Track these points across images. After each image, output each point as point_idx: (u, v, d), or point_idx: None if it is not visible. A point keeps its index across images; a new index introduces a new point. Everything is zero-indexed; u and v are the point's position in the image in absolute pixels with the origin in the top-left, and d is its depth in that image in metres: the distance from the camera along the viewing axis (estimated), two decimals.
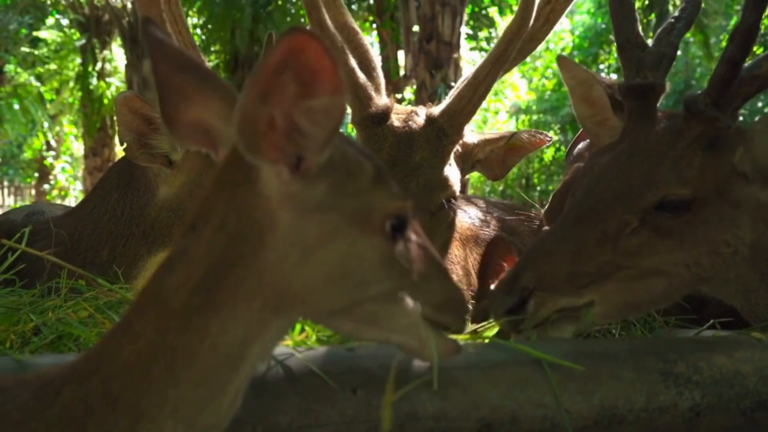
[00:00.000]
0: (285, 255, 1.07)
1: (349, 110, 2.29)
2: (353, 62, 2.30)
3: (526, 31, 2.28)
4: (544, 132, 2.52)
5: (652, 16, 13.28)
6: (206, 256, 1.07)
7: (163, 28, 2.72)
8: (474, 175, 16.77)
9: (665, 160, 1.69)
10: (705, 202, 1.69)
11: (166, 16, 2.80)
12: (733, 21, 18.23)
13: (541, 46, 2.44)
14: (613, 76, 18.15)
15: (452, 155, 2.31)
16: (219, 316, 1.07)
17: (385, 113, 2.29)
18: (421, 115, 2.33)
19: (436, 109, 2.33)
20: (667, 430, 1.51)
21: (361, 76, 2.30)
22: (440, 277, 1.24)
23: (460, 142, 2.35)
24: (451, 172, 2.27)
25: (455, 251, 2.75)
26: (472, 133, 2.44)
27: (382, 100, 2.31)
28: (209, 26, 12.92)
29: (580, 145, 2.60)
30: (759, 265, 1.76)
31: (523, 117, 19.10)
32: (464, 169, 2.42)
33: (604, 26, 18.14)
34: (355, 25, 2.47)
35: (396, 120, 2.28)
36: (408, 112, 2.34)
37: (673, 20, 1.92)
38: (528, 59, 17.53)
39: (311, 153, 1.07)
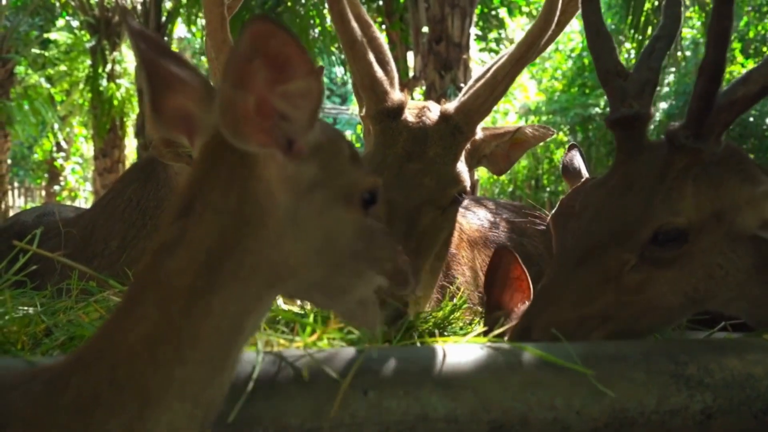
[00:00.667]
0: (284, 233, 1.13)
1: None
2: (371, 56, 2.29)
3: (548, 32, 2.29)
4: (548, 126, 2.53)
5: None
6: (207, 239, 1.10)
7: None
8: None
9: (656, 194, 1.69)
10: (703, 230, 1.69)
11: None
12: (743, 22, 18.19)
13: (551, 48, 2.45)
14: None
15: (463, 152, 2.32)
16: (221, 296, 1.11)
17: (401, 108, 2.29)
18: (434, 110, 2.33)
19: (451, 106, 2.33)
20: None
21: (378, 70, 2.30)
22: (394, 249, 1.32)
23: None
24: (463, 168, 2.28)
25: (463, 252, 2.75)
26: (479, 129, 2.45)
27: (396, 94, 2.31)
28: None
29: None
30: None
31: (532, 118, 19.06)
32: (471, 164, 2.43)
33: (614, 27, 18.11)
34: (368, 17, 2.47)
35: (410, 115, 2.29)
36: (420, 107, 2.35)
37: (653, 40, 1.89)
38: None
39: (299, 135, 1.13)
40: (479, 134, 2.42)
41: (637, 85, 1.82)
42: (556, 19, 2.29)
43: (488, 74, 2.31)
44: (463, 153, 2.31)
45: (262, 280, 1.14)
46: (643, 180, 1.71)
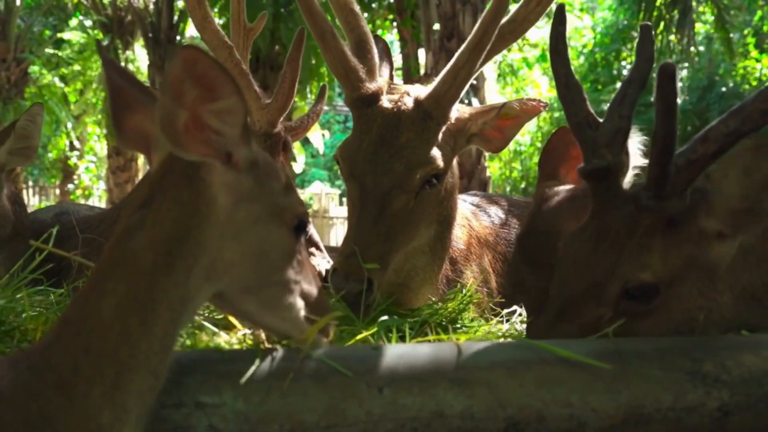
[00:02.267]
0: (223, 231, 1.32)
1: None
2: (344, 46, 2.35)
3: (501, 18, 2.32)
4: (538, 98, 2.53)
5: (675, 12, 13.16)
6: (167, 224, 1.28)
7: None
8: (495, 174, 16.75)
9: (625, 250, 1.72)
10: (675, 281, 1.71)
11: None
12: (757, 16, 18.07)
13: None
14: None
15: (440, 135, 2.35)
16: (175, 277, 1.27)
17: (375, 96, 2.34)
18: (411, 96, 2.37)
19: (423, 92, 2.37)
20: (695, 430, 1.50)
21: (352, 60, 2.35)
22: (315, 282, 1.49)
23: (452, 119, 2.39)
24: (436, 153, 2.31)
25: (472, 249, 2.75)
26: (463, 108, 2.46)
27: (373, 83, 2.36)
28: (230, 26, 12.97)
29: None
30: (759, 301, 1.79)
31: (544, 114, 19.01)
32: (458, 144, 2.46)
33: (626, 22, 18.05)
34: (356, 6, 2.51)
35: (387, 101, 2.34)
36: (401, 93, 2.38)
37: (625, 84, 1.89)
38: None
39: (233, 148, 1.32)
40: (464, 113, 2.44)
41: (608, 134, 1.84)
42: (508, 4, 2.32)
43: (452, 61, 2.34)
44: (440, 137, 2.35)
45: (202, 270, 1.30)
46: (614, 234, 1.74)
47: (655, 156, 1.68)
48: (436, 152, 2.30)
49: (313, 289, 1.48)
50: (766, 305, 1.80)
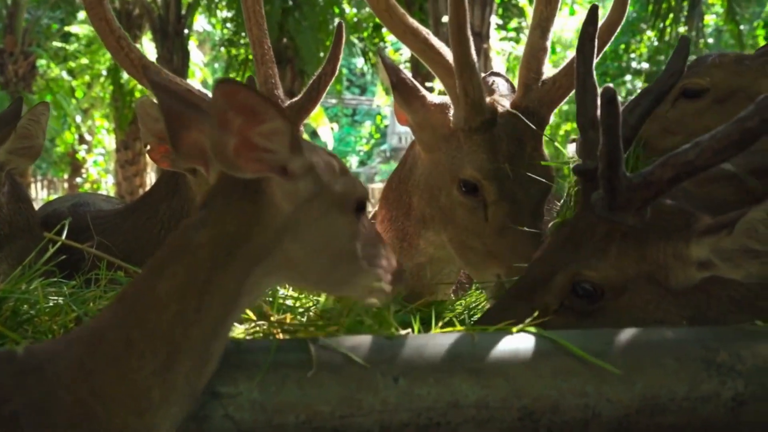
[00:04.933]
0: (286, 233, 1.37)
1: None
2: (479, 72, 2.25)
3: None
4: None
5: (685, 3, 13.12)
6: (228, 226, 1.33)
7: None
8: None
9: (581, 249, 1.79)
10: (628, 289, 1.76)
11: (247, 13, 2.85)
12: (767, 8, 17.98)
13: (571, 36, 2.43)
14: (645, 66, 18.02)
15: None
16: (231, 273, 1.32)
17: (495, 115, 2.27)
18: (504, 102, 2.32)
19: (525, 98, 2.32)
20: (710, 420, 1.50)
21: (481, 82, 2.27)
22: (384, 249, 1.54)
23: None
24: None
25: None
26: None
27: (486, 101, 2.27)
28: (239, 20, 12.97)
29: None
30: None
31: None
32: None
33: (635, 15, 17.96)
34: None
35: (499, 117, 2.27)
36: (492, 101, 2.32)
37: (642, 93, 1.92)
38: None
39: (287, 162, 1.37)
40: None
41: None
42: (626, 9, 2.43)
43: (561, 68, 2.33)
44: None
45: (263, 269, 1.35)
46: (579, 234, 1.81)
47: (601, 172, 1.73)
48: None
49: (380, 251, 1.52)
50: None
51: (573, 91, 2.26)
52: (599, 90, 1.72)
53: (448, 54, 2.25)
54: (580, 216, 1.87)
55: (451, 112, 2.26)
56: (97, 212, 2.91)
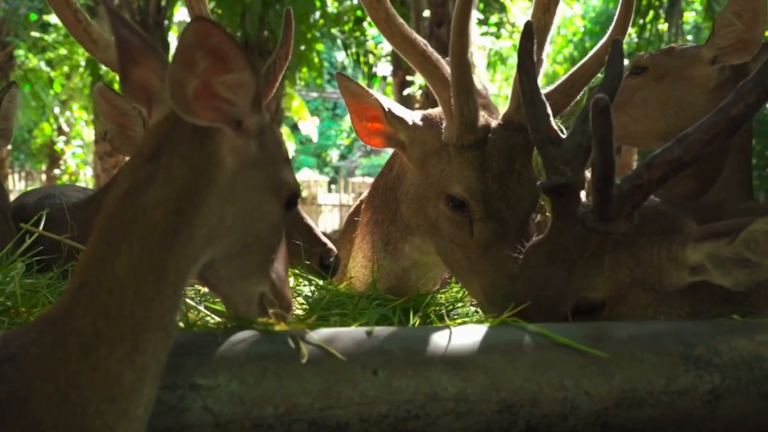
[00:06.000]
0: (226, 193, 1.32)
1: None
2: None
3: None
4: None
5: (665, 0, 13.20)
6: (177, 181, 1.28)
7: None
8: None
9: (576, 269, 1.78)
10: (623, 297, 1.78)
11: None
12: None
13: (552, 32, 2.41)
14: (625, 62, 18.03)
15: None
16: (183, 237, 1.27)
17: (488, 131, 2.23)
18: (495, 117, 2.29)
19: (521, 115, 2.25)
20: (687, 413, 1.51)
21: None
22: (285, 265, 1.53)
23: None
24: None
25: None
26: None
27: (480, 119, 2.22)
28: (219, 11, 12.89)
29: None
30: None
31: None
32: None
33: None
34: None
35: (490, 134, 2.23)
36: (485, 118, 2.27)
37: (590, 101, 1.90)
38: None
39: (243, 116, 1.34)
40: None
41: (570, 151, 1.87)
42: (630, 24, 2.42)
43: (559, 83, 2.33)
44: None
45: (205, 231, 1.30)
46: (566, 252, 1.79)
47: (595, 182, 1.71)
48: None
49: (281, 271, 1.51)
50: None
51: (565, 110, 2.30)
52: (592, 101, 1.69)
53: (444, 67, 2.22)
54: (560, 231, 1.83)
55: (441, 125, 2.24)
56: (60, 205, 2.87)
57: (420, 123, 2.28)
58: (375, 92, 2.30)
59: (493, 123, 2.25)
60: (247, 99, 1.32)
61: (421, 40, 2.29)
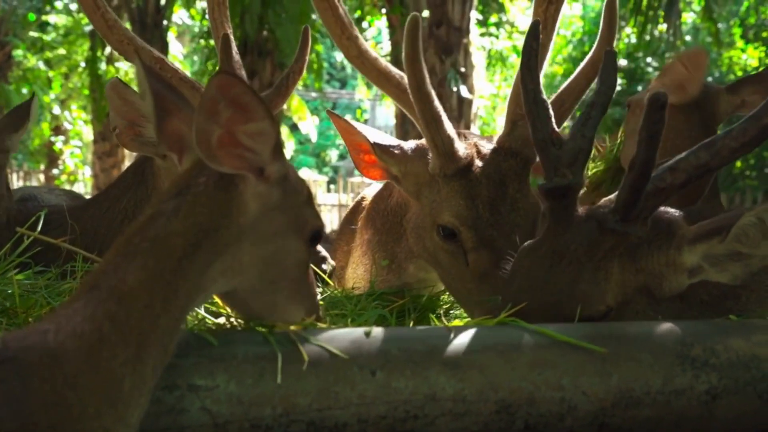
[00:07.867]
0: (246, 235, 1.41)
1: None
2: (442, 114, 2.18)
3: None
4: None
5: (663, 1, 13.18)
6: (200, 217, 1.35)
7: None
8: None
9: (584, 271, 1.73)
10: (625, 304, 1.76)
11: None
12: (744, 7, 18.13)
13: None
14: (623, 62, 18.09)
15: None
16: (197, 266, 1.34)
17: (472, 160, 2.21)
18: (488, 145, 2.27)
19: (508, 139, 2.27)
20: (684, 413, 1.52)
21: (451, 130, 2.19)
22: (313, 288, 1.60)
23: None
24: (532, 191, 2.25)
25: None
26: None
27: (461, 149, 2.20)
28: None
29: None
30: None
31: None
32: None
33: None
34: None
35: (479, 160, 2.21)
36: (473, 144, 2.26)
37: (588, 107, 1.90)
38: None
39: (266, 164, 1.42)
40: None
41: (571, 154, 1.85)
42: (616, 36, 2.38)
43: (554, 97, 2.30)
44: None
45: (220, 266, 1.38)
46: (572, 255, 1.74)
47: (630, 181, 1.69)
48: (532, 192, 2.22)
49: (312, 294, 1.59)
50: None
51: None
52: (649, 95, 1.64)
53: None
54: (560, 234, 1.78)
55: (430, 156, 2.21)
56: (55, 206, 2.87)
57: (411, 154, 2.26)
58: (362, 126, 2.29)
59: (485, 149, 2.23)
60: (268, 147, 1.40)
61: (397, 73, 2.28)
